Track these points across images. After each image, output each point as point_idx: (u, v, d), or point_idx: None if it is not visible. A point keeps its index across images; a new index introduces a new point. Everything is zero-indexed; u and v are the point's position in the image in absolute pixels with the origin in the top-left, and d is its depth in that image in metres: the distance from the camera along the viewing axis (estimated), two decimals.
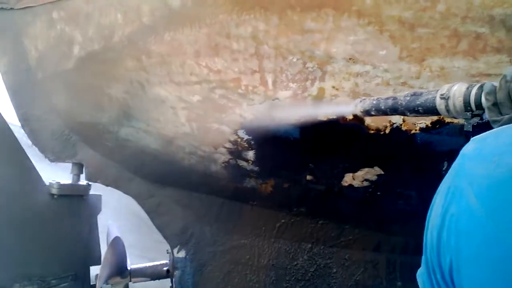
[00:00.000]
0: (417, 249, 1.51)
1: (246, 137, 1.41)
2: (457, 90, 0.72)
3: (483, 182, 0.50)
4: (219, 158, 1.53)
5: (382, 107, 0.92)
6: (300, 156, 1.39)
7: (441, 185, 0.63)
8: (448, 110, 0.74)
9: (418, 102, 0.83)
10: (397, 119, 1.14)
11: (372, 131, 1.17)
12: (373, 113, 0.95)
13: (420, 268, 0.67)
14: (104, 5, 1.40)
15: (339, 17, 1.03)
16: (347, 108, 1.06)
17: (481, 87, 0.68)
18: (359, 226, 1.57)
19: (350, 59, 1.08)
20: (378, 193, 1.36)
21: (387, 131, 1.16)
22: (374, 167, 1.29)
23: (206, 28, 1.24)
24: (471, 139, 0.57)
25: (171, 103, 1.46)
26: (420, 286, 0.65)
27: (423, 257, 0.65)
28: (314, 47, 1.11)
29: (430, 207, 0.63)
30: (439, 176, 1.28)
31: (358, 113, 0.99)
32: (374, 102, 0.94)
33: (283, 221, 1.68)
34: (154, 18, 1.32)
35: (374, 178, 1.31)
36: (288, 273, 1.70)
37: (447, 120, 1.09)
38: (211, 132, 1.48)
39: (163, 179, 1.75)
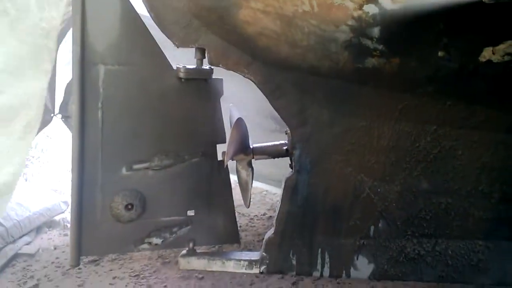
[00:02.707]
0: None
1: (372, 12, 1.33)
2: None
3: None
4: (340, 37, 1.48)
5: None
6: (434, 30, 1.29)
7: None
8: None
9: None
10: None
11: None
12: None
13: None
14: None
15: None
16: None
17: None
18: (493, 106, 1.46)
19: None
20: None
21: None
22: None
23: None
24: None
25: None
26: None
27: None
28: None
29: None
30: None
31: None
32: None
33: (406, 103, 1.63)
34: None
35: None
36: (409, 154, 1.69)
37: None
38: (333, 9, 1.42)
39: (281, 63, 1.76)
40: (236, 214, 2.06)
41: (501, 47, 1.23)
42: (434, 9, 1.20)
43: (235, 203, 2.04)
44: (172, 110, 1.90)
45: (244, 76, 1.87)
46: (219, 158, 1.98)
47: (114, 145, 1.85)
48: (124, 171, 1.88)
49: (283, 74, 1.79)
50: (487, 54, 1.27)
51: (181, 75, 1.88)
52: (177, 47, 1.86)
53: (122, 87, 1.83)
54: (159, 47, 1.84)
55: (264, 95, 1.86)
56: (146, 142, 1.89)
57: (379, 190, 1.77)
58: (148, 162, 1.90)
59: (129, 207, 1.88)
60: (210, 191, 1.99)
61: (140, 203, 1.90)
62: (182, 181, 1.95)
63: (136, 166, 1.90)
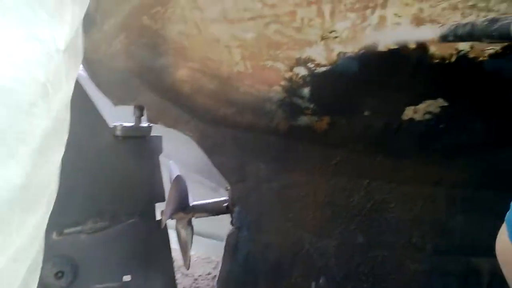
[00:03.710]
0: (480, 184, 1.48)
1: (302, 73, 1.40)
2: None
3: None
4: (273, 97, 1.54)
5: (459, 33, 0.92)
6: (358, 91, 1.37)
7: None
8: None
9: (494, 27, 0.83)
10: (464, 46, 1.08)
11: (436, 60, 1.12)
12: (450, 38, 0.94)
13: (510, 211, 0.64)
14: None
15: None
16: (425, 33, 1.03)
17: None
18: (419, 161, 1.54)
19: None
20: (441, 126, 1.32)
21: (453, 59, 1.10)
22: (438, 99, 1.24)
23: None
24: None
25: (226, 42, 1.46)
26: (508, 227, 0.63)
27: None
28: None
29: None
30: (507, 107, 1.22)
31: (436, 38, 0.98)
32: (453, 27, 0.93)
33: (339, 158, 1.68)
34: None
35: (437, 110, 1.27)
36: (344, 209, 1.73)
37: None
38: (266, 70, 1.48)
39: (219, 120, 1.79)
40: (180, 274, 1.99)
41: (422, 106, 1.32)
42: (357, 72, 1.29)
43: (178, 263, 1.96)
44: (107, 169, 1.85)
45: (183, 134, 1.88)
46: (158, 217, 1.92)
47: None
48: (54, 236, 1.76)
49: (221, 131, 1.81)
50: (409, 113, 1.35)
51: (118, 133, 1.85)
52: (115, 105, 1.85)
53: None
54: (95, 104, 1.82)
55: (204, 152, 1.87)
56: (79, 204, 1.80)
57: (318, 245, 1.77)
58: (80, 226, 1.80)
59: (59, 275, 1.75)
60: (148, 253, 1.91)
61: (71, 270, 1.77)
62: (117, 244, 1.85)
63: (67, 230, 1.79)
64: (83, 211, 1.80)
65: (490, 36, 0.84)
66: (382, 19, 1.11)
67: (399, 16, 1.08)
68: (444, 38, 1.00)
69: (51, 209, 0.96)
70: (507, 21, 0.79)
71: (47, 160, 0.81)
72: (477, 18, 0.91)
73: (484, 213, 1.51)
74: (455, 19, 1.01)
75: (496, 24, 0.81)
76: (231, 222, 1.89)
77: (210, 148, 1.84)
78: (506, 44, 1.04)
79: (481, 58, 1.07)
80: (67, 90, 0.86)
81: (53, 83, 0.73)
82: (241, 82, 1.56)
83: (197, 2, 1.42)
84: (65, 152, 1.76)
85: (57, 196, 1.74)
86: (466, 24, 0.91)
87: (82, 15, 0.88)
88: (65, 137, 0.94)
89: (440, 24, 1.01)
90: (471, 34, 0.89)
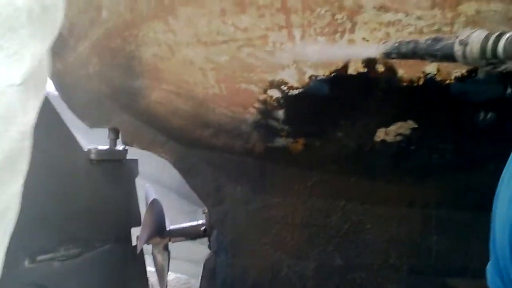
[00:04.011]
0: (453, 204, 1.49)
1: (275, 96, 1.40)
2: (476, 37, 0.75)
3: None
4: (249, 118, 1.54)
5: (403, 50, 0.93)
6: (330, 113, 1.38)
7: (505, 171, 0.58)
8: (464, 57, 0.77)
9: (437, 47, 0.84)
10: (431, 69, 1.10)
11: (405, 83, 1.14)
12: (393, 56, 0.95)
13: (490, 263, 0.63)
14: None
15: None
16: (368, 50, 1.05)
17: (499, 36, 0.71)
18: (393, 182, 1.55)
19: (381, 7, 1.04)
20: (412, 147, 1.33)
21: (421, 82, 1.12)
22: (408, 121, 1.25)
23: None
24: None
25: (200, 64, 1.46)
26: (489, 283, 0.61)
27: (491, 253, 0.61)
28: None
29: (495, 196, 0.58)
30: (475, 128, 1.24)
31: (379, 55, 0.99)
32: (396, 44, 0.94)
33: (315, 179, 1.68)
34: None
35: (407, 132, 1.28)
36: (322, 230, 1.72)
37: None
38: (240, 92, 1.48)
39: (196, 142, 1.78)
40: None
41: (393, 128, 1.34)
42: (329, 94, 1.30)
43: None
44: (82, 194, 1.80)
45: (159, 156, 1.86)
46: (134, 242, 1.88)
47: (16, 235, 1.68)
48: (26, 263, 1.70)
49: (198, 153, 1.80)
50: (380, 134, 1.36)
51: (93, 156, 1.81)
52: (90, 128, 1.83)
53: (26, 172, 1.72)
54: (68, 127, 1.79)
55: (180, 174, 1.85)
56: (51, 230, 1.75)
57: (296, 268, 1.75)
58: (53, 253, 1.74)
59: None
60: (123, 280, 1.86)
61: None
62: (91, 271, 1.80)
63: (40, 258, 1.73)
64: (55, 237, 1.75)
65: (433, 56, 0.85)
66: (351, 42, 1.12)
67: (367, 40, 1.09)
68: (387, 55, 1.00)
69: (8, 240, 0.93)
70: (450, 41, 0.80)
71: None
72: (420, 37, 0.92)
73: (459, 233, 1.52)
74: None
75: (440, 44, 0.83)
76: (209, 246, 1.87)
77: (186, 170, 1.82)
78: (471, 67, 1.06)
79: (448, 81, 1.09)
80: (26, 120, 0.85)
81: (5, 117, 0.73)
82: (216, 104, 1.56)
83: (170, 25, 1.42)
84: (37, 176, 1.71)
85: (28, 222, 1.69)
86: (409, 42, 0.92)
87: (46, 48, 0.88)
88: (23, 165, 0.92)
89: (384, 41, 1.03)
90: (414, 52, 0.90)
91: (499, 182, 0.58)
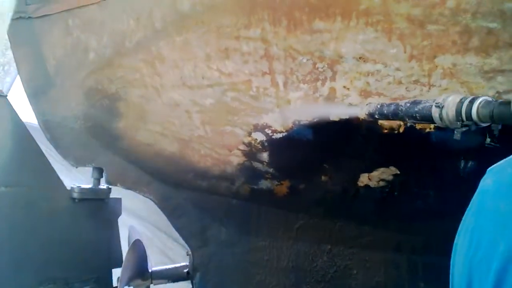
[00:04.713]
0: (439, 249, 1.47)
1: (260, 139, 1.41)
2: (451, 101, 0.79)
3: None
4: (233, 160, 1.53)
5: (385, 112, 0.98)
6: (314, 157, 1.38)
7: (462, 224, 0.58)
8: (441, 119, 0.81)
9: (416, 109, 0.89)
10: None
11: (386, 131, 1.15)
12: (376, 116, 0.98)
13: None
14: (117, 11, 1.42)
15: (347, 16, 1.02)
16: (354, 110, 1.07)
17: (472, 101, 0.76)
18: (378, 226, 1.54)
19: (360, 58, 1.06)
20: (395, 193, 1.33)
21: (401, 130, 1.13)
22: (390, 167, 1.26)
23: (215, 31, 1.25)
24: (487, 170, 0.54)
25: (185, 106, 1.47)
26: None
27: None
28: (324, 47, 1.09)
29: (453, 249, 0.58)
30: (456, 175, 1.24)
31: (364, 115, 1.03)
32: (379, 106, 0.98)
33: (301, 222, 1.66)
34: (165, 23, 1.33)
35: (390, 178, 1.28)
36: (308, 274, 1.68)
37: None
38: (225, 135, 1.48)
39: (180, 182, 1.76)
40: None
41: (376, 173, 1.34)
42: (312, 139, 1.30)
43: None
44: (62, 233, 1.76)
45: (143, 195, 1.84)
46: (115, 284, 1.82)
47: None
48: None
49: (183, 193, 1.78)
50: (364, 179, 1.36)
51: (75, 195, 1.79)
52: (75, 167, 1.81)
53: (7, 210, 1.68)
54: (51, 166, 1.77)
55: (165, 214, 1.82)
56: (31, 270, 1.69)
57: None
58: None
59: None
60: None
61: None
62: None
63: None
64: (35, 277, 1.69)
65: (413, 117, 0.89)
66: (332, 90, 1.14)
67: (348, 89, 1.11)
68: (371, 116, 1.04)
69: None
70: (428, 104, 0.85)
71: None
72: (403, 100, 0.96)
73: (446, 281, 1.49)
74: (399, 93, 1.05)
75: (418, 107, 0.87)
76: None
77: (171, 210, 1.80)
78: None
79: (427, 130, 1.10)
80: None
81: None
82: (201, 145, 1.56)
83: (156, 68, 1.44)
84: (18, 215, 1.69)
85: (8, 262, 1.64)
86: (390, 104, 0.96)
87: None
88: None
89: (367, 103, 1.07)
90: (395, 114, 0.94)
91: (457, 234, 0.58)
